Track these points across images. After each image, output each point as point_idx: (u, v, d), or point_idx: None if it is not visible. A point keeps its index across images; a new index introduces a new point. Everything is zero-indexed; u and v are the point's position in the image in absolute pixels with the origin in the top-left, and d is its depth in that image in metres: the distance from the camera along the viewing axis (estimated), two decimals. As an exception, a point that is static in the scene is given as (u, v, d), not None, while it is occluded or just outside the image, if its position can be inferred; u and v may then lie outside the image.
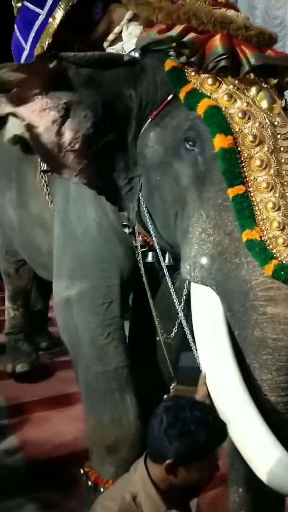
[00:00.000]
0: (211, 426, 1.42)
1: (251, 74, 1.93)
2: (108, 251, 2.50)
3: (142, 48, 2.07)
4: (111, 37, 2.80)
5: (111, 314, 2.54)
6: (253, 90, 1.88)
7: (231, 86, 1.87)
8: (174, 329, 2.48)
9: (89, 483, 2.63)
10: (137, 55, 2.14)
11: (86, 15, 2.99)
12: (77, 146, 2.00)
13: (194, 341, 1.86)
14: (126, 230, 2.36)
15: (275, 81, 2.00)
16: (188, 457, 1.40)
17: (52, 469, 3.20)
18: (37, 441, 3.45)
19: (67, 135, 2.00)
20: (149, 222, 2.07)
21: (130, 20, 2.77)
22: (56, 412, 3.82)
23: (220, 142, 1.73)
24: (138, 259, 2.34)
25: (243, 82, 1.91)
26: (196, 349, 1.83)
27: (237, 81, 1.90)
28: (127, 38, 2.53)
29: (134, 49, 2.30)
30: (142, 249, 2.34)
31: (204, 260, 1.77)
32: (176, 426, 1.40)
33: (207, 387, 1.73)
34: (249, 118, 1.79)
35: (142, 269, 2.35)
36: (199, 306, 1.82)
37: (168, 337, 2.51)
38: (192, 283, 1.84)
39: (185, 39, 1.88)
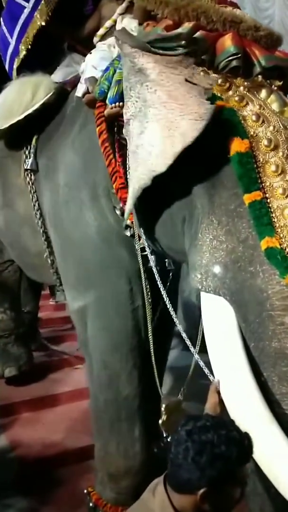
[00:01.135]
0: (239, 442, 1.36)
1: (259, 76, 1.89)
2: (112, 256, 2.37)
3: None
4: (101, 31, 2.74)
5: (124, 330, 2.38)
6: (263, 92, 1.82)
7: (241, 88, 1.82)
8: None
9: (91, 503, 2.60)
10: None
11: (77, 11, 2.91)
12: None
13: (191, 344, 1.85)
14: (128, 233, 2.28)
15: (280, 83, 1.95)
16: (222, 481, 1.35)
17: (43, 468, 3.19)
18: (27, 440, 3.44)
19: None
20: (141, 225, 2.00)
21: (121, 15, 2.71)
22: (46, 412, 3.81)
23: (236, 145, 1.67)
24: (139, 263, 2.25)
25: (252, 84, 1.85)
26: (194, 352, 1.82)
27: (246, 83, 1.84)
28: None
29: None
30: (144, 253, 2.25)
31: (217, 269, 1.70)
32: (205, 451, 1.33)
33: (218, 395, 1.68)
34: (263, 121, 1.74)
35: (143, 273, 2.26)
36: (212, 316, 1.76)
37: None
38: (202, 293, 1.77)
39: (197, 35, 1.81)
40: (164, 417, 2.30)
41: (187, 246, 1.88)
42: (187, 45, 1.83)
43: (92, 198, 2.31)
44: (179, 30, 1.85)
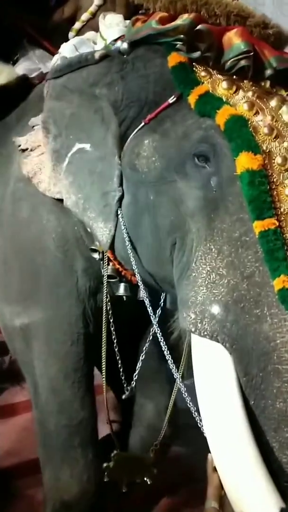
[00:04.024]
0: None
1: (267, 81, 1.62)
2: (67, 271, 2.06)
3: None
4: (77, 25, 2.45)
5: (76, 355, 2.10)
6: (274, 101, 1.55)
7: (249, 93, 1.54)
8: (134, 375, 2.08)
9: None
10: (124, 45, 1.77)
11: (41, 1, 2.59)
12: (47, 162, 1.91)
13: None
14: (96, 256, 1.95)
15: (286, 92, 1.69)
16: None
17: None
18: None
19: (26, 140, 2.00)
20: (131, 252, 1.69)
21: (100, 7, 2.43)
22: (2, 422, 3.54)
23: (246, 162, 1.37)
24: (106, 291, 1.95)
25: (261, 89, 1.58)
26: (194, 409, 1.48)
27: (254, 87, 1.57)
28: (106, 28, 2.15)
29: (119, 37, 1.94)
30: (113, 279, 1.96)
31: (215, 309, 1.40)
32: None
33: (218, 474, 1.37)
34: (276, 135, 1.46)
35: (106, 303, 1.98)
36: (205, 367, 1.44)
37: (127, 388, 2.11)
38: (193, 335, 1.46)
39: (200, 27, 1.52)
40: (111, 464, 2.08)
41: (176, 276, 1.57)
42: (189, 39, 1.54)
43: (56, 200, 1.97)
44: (178, 22, 1.56)
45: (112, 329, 2.02)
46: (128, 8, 2.27)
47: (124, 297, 1.99)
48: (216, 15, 1.60)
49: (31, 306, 2.13)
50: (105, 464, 2.08)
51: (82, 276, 2.06)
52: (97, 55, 1.76)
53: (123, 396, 2.08)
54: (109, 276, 1.94)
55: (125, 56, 1.73)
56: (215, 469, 1.38)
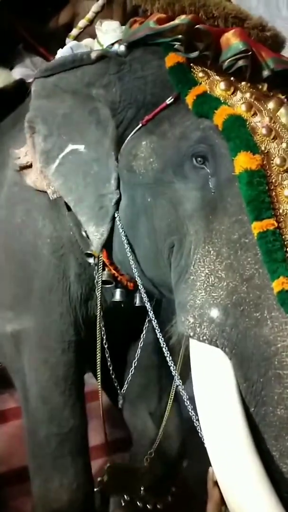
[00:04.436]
0: None
1: (265, 83, 1.61)
2: (60, 277, 2.02)
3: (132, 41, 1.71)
4: (74, 32, 2.43)
5: (67, 363, 2.06)
6: (271, 103, 1.53)
7: (247, 95, 1.52)
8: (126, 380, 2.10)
9: None
10: (122, 47, 1.76)
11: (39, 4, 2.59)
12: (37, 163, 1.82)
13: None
14: (91, 261, 1.92)
15: (283, 96, 1.67)
16: None
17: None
18: None
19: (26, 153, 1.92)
20: (130, 255, 1.66)
21: (97, 13, 2.42)
22: None
23: (245, 161, 1.35)
24: (98, 297, 1.92)
25: (258, 91, 1.57)
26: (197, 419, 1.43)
27: (252, 89, 1.56)
28: (103, 34, 2.15)
29: (116, 42, 1.93)
30: (108, 285, 1.92)
31: (214, 313, 1.36)
32: None
33: (219, 488, 1.32)
34: (275, 137, 1.44)
35: (99, 309, 1.94)
36: (204, 373, 1.40)
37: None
38: (192, 340, 1.43)
39: (199, 27, 1.51)
40: (105, 477, 2.09)
41: (174, 279, 1.54)
42: (186, 40, 1.53)
43: (52, 204, 1.96)
44: (176, 21, 1.55)
45: (104, 336, 1.99)
46: (125, 15, 2.27)
47: (121, 303, 1.95)
48: (214, 17, 1.59)
49: (23, 313, 2.10)
50: (99, 478, 2.07)
51: (74, 282, 2.02)
52: (93, 55, 1.73)
53: (119, 405, 2.05)
54: (104, 282, 1.90)
55: (122, 58, 1.72)
56: (215, 484, 1.34)
